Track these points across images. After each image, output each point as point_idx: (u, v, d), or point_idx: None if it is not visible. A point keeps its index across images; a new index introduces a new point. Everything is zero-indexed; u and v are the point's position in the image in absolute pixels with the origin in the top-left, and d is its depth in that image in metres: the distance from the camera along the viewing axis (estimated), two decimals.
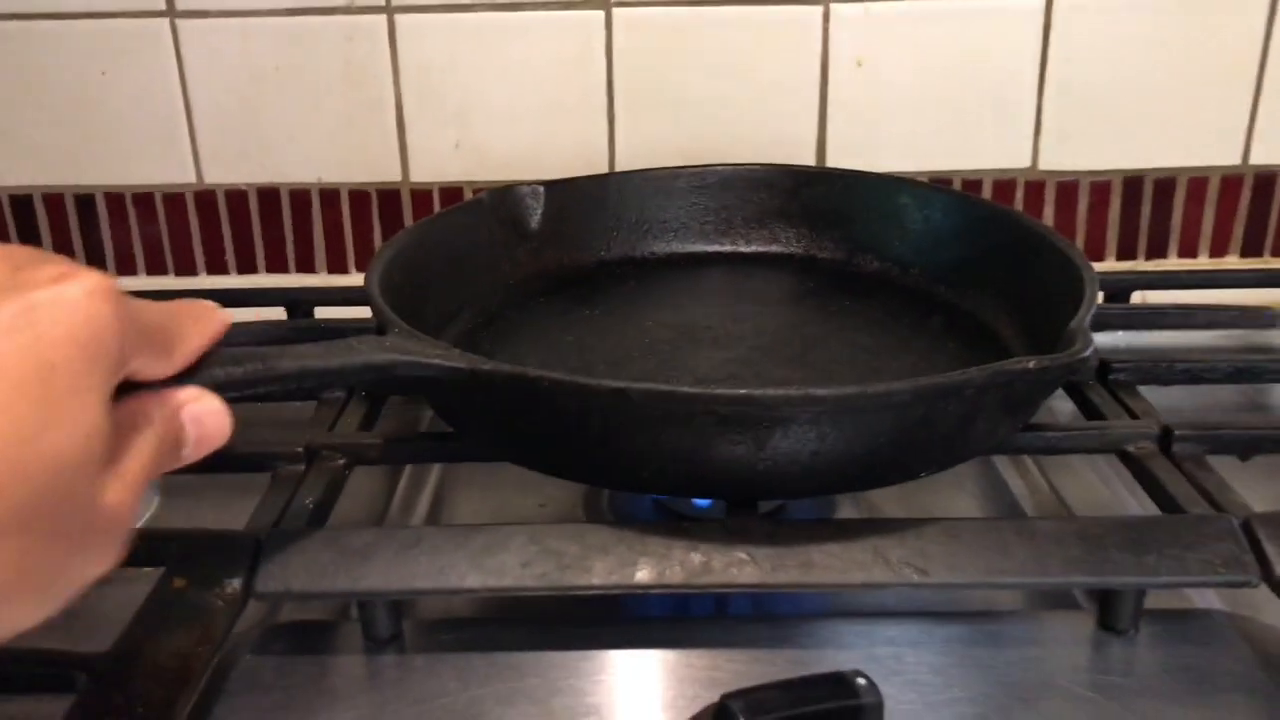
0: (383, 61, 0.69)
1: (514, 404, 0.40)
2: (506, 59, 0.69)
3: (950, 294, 0.57)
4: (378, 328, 0.44)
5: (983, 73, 0.70)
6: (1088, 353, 0.40)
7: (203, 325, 0.33)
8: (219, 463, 0.46)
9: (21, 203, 0.72)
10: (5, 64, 0.69)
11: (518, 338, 0.54)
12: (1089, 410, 0.52)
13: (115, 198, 0.72)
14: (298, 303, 0.65)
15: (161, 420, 0.30)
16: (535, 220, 0.61)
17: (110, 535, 0.27)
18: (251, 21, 0.68)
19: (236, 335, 0.60)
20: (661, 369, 0.50)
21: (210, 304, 0.34)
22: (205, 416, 0.31)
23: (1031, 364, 0.39)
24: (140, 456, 0.29)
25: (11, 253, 0.27)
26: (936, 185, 0.63)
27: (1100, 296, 0.65)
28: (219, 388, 0.35)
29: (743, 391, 0.37)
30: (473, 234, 0.59)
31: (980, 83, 0.70)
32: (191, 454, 0.31)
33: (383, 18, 0.68)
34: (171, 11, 0.68)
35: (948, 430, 0.40)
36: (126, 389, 0.30)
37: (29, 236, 0.73)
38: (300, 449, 0.46)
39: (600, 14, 0.68)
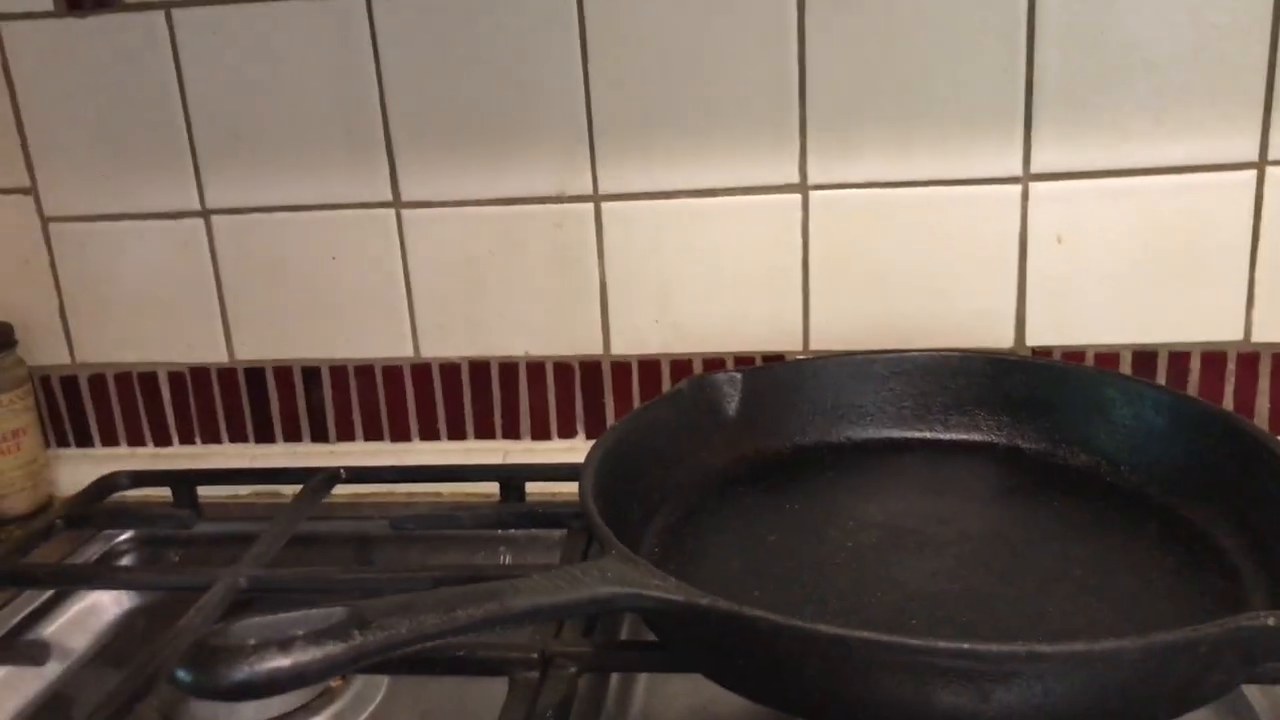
0: (589, 245, 0.73)
1: (730, 637, 0.41)
2: (705, 240, 0.72)
3: (1164, 496, 0.56)
4: (599, 544, 0.46)
5: (1189, 244, 0.69)
6: None
7: None
8: (457, 665, 0.50)
9: (254, 374, 0.79)
10: (247, 251, 0.76)
11: (720, 537, 0.55)
12: None
13: (339, 370, 0.78)
14: (510, 479, 0.68)
15: None
16: (732, 407, 0.63)
17: None
18: (469, 210, 0.73)
19: (461, 518, 0.64)
20: (867, 580, 0.50)
21: None
22: None
23: (1272, 621, 0.38)
24: None
25: None
26: (1145, 380, 0.62)
27: None
28: (462, 630, 0.38)
29: (966, 646, 0.37)
30: (672, 424, 0.61)
31: (1187, 254, 0.69)
32: None
33: (590, 206, 0.72)
34: (397, 202, 0.74)
35: (1179, 684, 0.39)
36: None
37: (259, 403, 0.79)
38: (535, 655, 0.48)
39: (798, 197, 0.71)
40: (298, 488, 0.68)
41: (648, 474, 0.58)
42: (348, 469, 0.69)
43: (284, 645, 0.34)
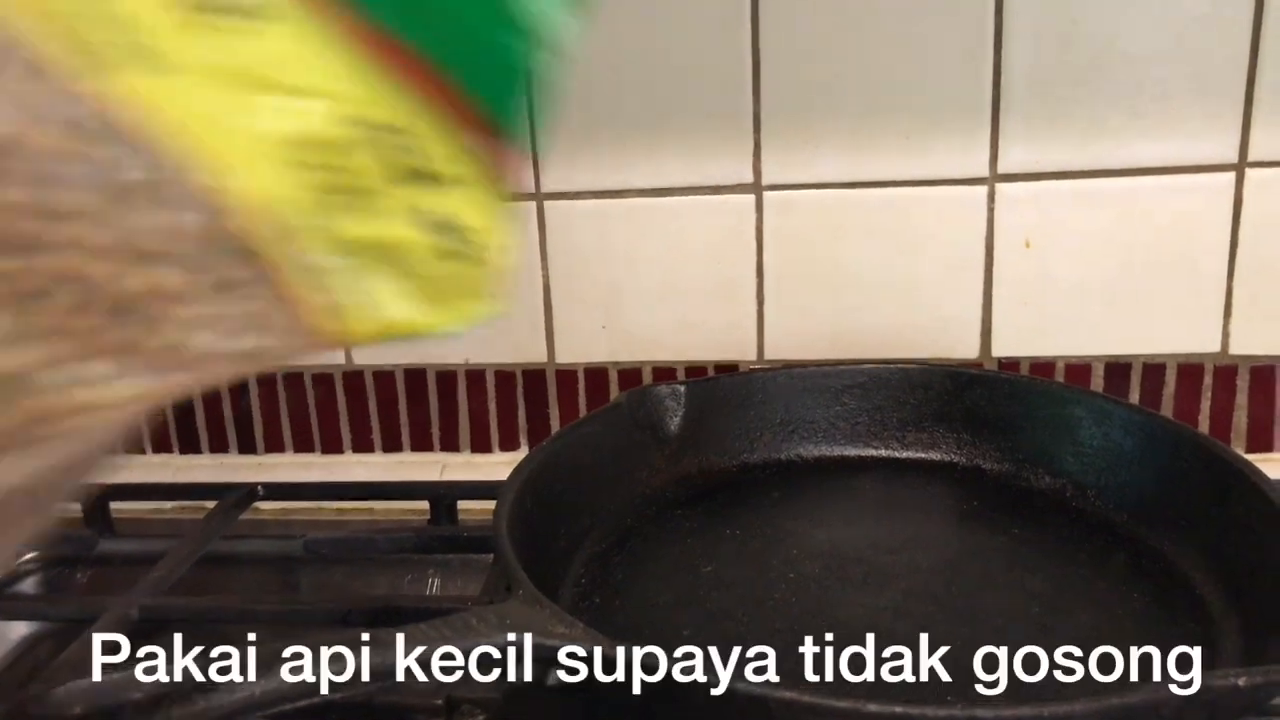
0: (532, 246, 0.69)
1: (645, 692, 0.37)
2: (655, 242, 0.68)
3: (1133, 525, 0.52)
4: (506, 581, 0.42)
5: (1164, 252, 0.65)
6: None
7: None
8: (348, 713, 0.45)
9: None
10: None
11: (653, 566, 0.51)
12: None
13: (266, 377, 0.73)
14: (441, 498, 0.64)
15: None
16: (675, 423, 0.59)
17: None
18: None
19: (378, 543, 0.59)
20: (807, 617, 0.46)
21: None
22: None
23: (1241, 681, 0.34)
24: None
25: None
26: (1115, 398, 0.58)
27: None
28: (336, 690, 0.34)
29: (899, 709, 0.33)
30: (608, 441, 0.56)
31: (1161, 262, 0.65)
32: None
33: (533, 204, 0.68)
34: None
35: None
36: None
37: (183, 412, 0.75)
38: (439, 702, 0.44)
39: (750, 198, 0.66)
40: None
41: (578, 497, 0.53)
42: (266, 485, 0.65)
43: (112, 715, 0.29)
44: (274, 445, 0.75)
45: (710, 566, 0.51)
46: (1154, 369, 0.67)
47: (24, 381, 0.19)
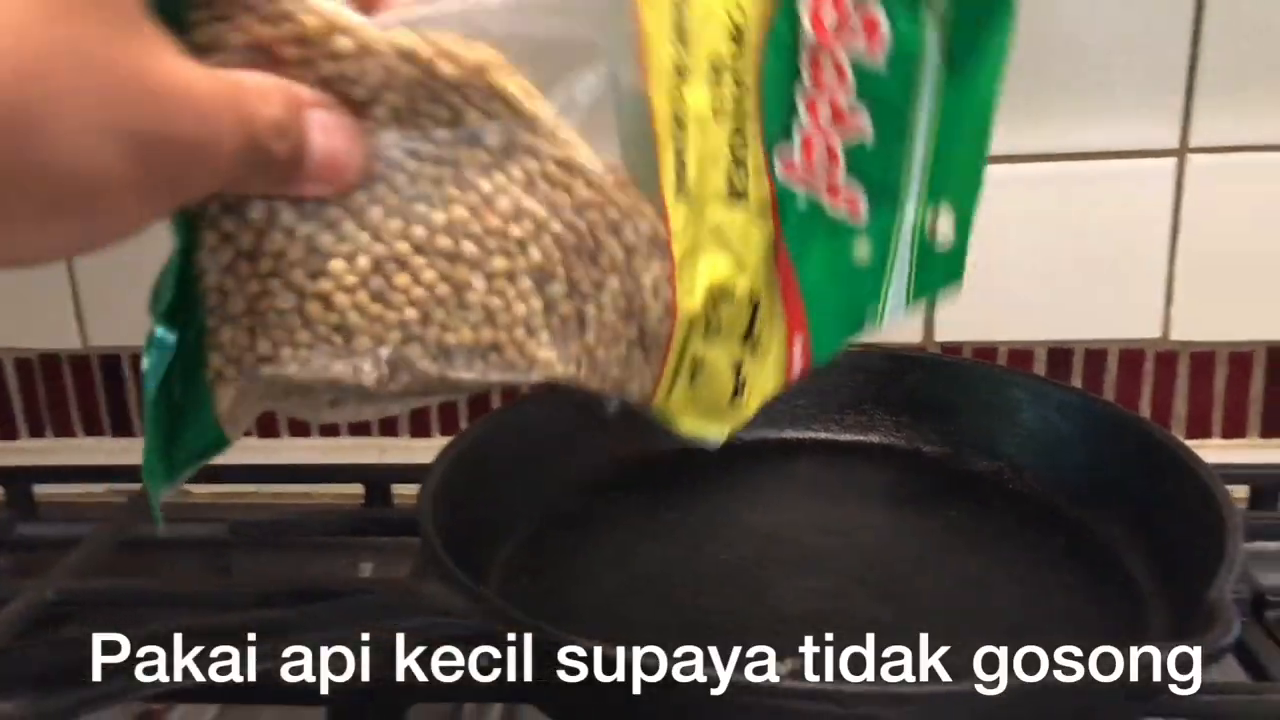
0: None
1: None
2: None
3: (1070, 507, 0.52)
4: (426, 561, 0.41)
5: (1106, 237, 0.65)
6: (1230, 639, 0.34)
7: None
8: (269, 694, 0.44)
9: (110, 362, 0.73)
10: None
11: (588, 549, 0.50)
12: (1248, 662, 0.44)
13: None
14: (376, 482, 0.62)
15: (279, 93, 0.25)
16: (614, 404, 0.57)
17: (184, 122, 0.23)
18: None
19: (307, 525, 0.58)
20: (735, 600, 0.46)
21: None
22: (336, 131, 0.26)
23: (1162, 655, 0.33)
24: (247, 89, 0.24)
25: None
26: (1054, 381, 0.57)
27: (1246, 495, 0.59)
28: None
29: (814, 687, 0.33)
30: (545, 423, 0.55)
31: (1103, 248, 0.65)
32: (315, 172, 0.26)
33: None
34: None
35: None
36: None
37: (116, 394, 0.73)
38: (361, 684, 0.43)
39: None
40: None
41: (512, 478, 0.52)
42: None
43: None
44: None
45: (644, 549, 0.50)
46: (1095, 355, 0.67)
47: (495, 315, 0.29)
